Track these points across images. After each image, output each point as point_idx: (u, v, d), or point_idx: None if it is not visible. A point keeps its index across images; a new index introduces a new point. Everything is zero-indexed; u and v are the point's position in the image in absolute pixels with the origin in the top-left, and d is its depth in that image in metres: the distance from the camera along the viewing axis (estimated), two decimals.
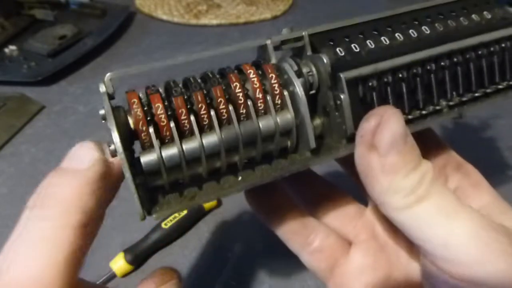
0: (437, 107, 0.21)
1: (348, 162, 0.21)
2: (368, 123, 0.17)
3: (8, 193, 0.40)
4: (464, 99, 0.21)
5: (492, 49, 0.22)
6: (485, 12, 0.22)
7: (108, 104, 0.17)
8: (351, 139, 0.19)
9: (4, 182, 0.41)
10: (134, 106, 0.17)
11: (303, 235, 0.23)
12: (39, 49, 0.57)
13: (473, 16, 0.22)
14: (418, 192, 0.16)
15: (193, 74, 0.19)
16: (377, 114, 0.17)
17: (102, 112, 0.17)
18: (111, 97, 0.17)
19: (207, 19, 0.70)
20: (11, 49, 0.57)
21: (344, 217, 0.25)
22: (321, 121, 0.20)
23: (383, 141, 0.16)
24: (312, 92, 0.20)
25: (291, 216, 0.23)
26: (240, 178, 0.19)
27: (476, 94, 0.22)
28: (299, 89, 0.18)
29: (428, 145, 0.23)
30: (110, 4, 0.68)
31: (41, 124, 0.48)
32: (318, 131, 0.20)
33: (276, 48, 0.20)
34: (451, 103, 0.21)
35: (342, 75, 0.18)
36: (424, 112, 0.21)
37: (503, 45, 0.22)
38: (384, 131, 0.16)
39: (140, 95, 0.18)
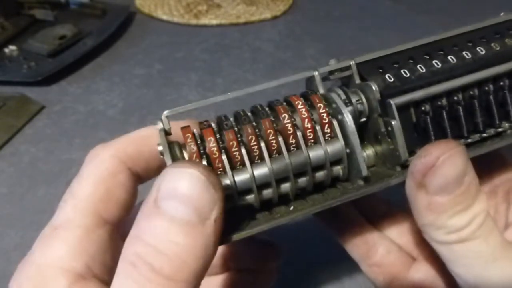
0: (499, 129, 0.20)
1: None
2: (420, 162, 0.16)
3: (8, 193, 0.40)
4: None
5: None
6: None
7: (164, 141, 0.17)
8: (406, 166, 0.18)
9: (4, 182, 0.41)
10: (188, 140, 0.17)
11: (363, 249, 0.24)
12: (39, 49, 0.57)
13: None
14: (463, 233, 0.16)
15: (243, 108, 0.20)
16: (433, 152, 0.16)
17: (160, 148, 0.17)
18: (167, 133, 0.18)
19: (207, 19, 0.70)
20: (11, 49, 0.57)
21: (409, 235, 0.25)
22: (373, 150, 0.20)
23: (432, 183, 0.16)
24: (363, 120, 0.20)
25: (354, 230, 0.24)
26: (291, 207, 0.19)
27: None
28: (347, 118, 0.18)
29: (493, 165, 0.22)
30: (110, 4, 0.68)
31: (41, 124, 0.48)
32: (371, 159, 0.20)
33: (324, 78, 0.20)
34: None
35: (392, 101, 0.18)
36: (484, 135, 0.20)
37: None
38: (436, 174, 0.16)
39: (194, 130, 0.18)
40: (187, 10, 0.72)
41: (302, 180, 0.18)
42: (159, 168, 0.19)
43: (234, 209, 0.18)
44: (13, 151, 0.45)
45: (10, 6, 0.64)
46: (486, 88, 0.20)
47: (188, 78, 0.56)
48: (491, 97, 0.20)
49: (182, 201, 0.14)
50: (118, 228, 0.18)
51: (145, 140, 0.19)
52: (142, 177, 0.20)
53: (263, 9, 0.73)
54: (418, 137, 0.18)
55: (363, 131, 0.20)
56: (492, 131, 0.20)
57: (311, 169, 0.18)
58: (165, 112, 0.18)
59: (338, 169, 0.19)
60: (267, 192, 0.18)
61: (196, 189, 0.14)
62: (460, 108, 0.19)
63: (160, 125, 0.18)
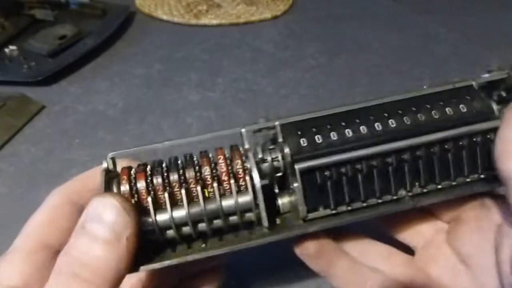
0: (395, 197, 0.23)
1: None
2: None
3: (8, 193, 0.40)
4: (425, 190, 0.23)
5: (460, 143, 0.23)
6: (461, 106, 0.23)
7: (102, 178, 0.21)
8: (305, 220, 0.22)
9: (4, 182, 0.41)
10: (123, 181, 0.21)
11: (358, 284, 0.24)
12: (39, 49, 0.57)
13: (447, 109, 0.23)
14: None
15: (179, 154, 0.24)
16: None
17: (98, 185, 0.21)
18: (110, 171, 0.22)
19: (207, 19, 0.70)
20: (11, 49, 0.57)
21: (392, 264, 0.26)
22: (289, 199, 0.23)
23: None
24: (279, 174, 0.23)
25: (342, 265, 0.24)
26: (203, 245, 0.22)
27: (439, 186, 0.23)
28: (255, 175, 0.21)
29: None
30: (110, 4, 0.68)
31: (41, 124, 0.48)
32: (286, 207, 0.23)
33: (255, 132, 0.23)
34: (410, 194, 0.23)
35: (296, 166, 0.21)
36: (379, 201, 0.23)
37: (474, 139, 0.23)
38: None
39: (132, 171, 0.22)
40: (187, 10, 0.72)
41: (217, 222, 0.22)
42: None
43: (158, 242, 0.21)
44: (13, 151, 0.45)
45: (10, 6, 0.64)
46: (388, 160, 0.22)
47: (188, 78, 0.56)
48: (390, 168, 0.23)
49: (102, 223, 0.18)
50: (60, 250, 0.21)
51: (90, 177, 0.24)
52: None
53: (263, 9, 0.73)
54: (320, 196, 0.22)
55: (285, 181, 0.23)
56: (388, 197, 0.23)
57: (225, 214, 0.21)
58: (110, 154, 0.22)
59: (250, 215, 0.22)
60: (186, 229, 0.21)
61: (113, 214, 0.19)
62: (360, 176, 0.22)
63: (104, 165, 0.22)
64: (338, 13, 0.73)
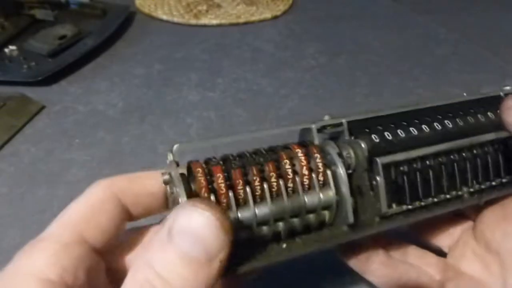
0: (459, 193, 0.24)
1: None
2: None
3: (8, 193, 0.40)
4: (483, 187, 0.24)
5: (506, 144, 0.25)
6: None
7: (177, 172, 0.18)
8: (384, 217, 0.22)
9: (4, 182, 0.41)
10: (199, 175, 0.19)
11: (393, 278, 0.25)
12: (39, 49, 0.57)
13: (489, 113, 0.25)
14: None
15: (245, 149, 0.21)
16: None
17: (166, 177, 0.19)
18: (177, 164, 0.19)
19: (207, 19, 0.70)
20: (11, 49, 0.57)
21: (426, 263, 0.27)
22: (353, 199, 0.22)
23: None
24: (349, 172, 0.22)
25: (378, 260, 0.25)
26: (284, 245, 0.20)
27: (493, 183, 0.24)
28: (341, 169, 0.20)
29: None
30: (110, 4, 0.68)
31: (41, 124, 0.48)
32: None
33: (318, 131, 0.22)
34: (471, 189, 0.24)
35: (378, 160, 0.21)
36: (448, 196, 0.23)
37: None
38: None
39: (203, 165, 0.20)
40: (187, 10, 0.72)
41: (294, 221, 0.20)
42: (148, 206, 0.21)
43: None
44: (13, 151, 0.45)
45: (10, 6, 0.64)
46: (452, 157, 0.23)
47: (188, 78, 0.56)
48: (455, 165, 0.24)
49: (195, 240, 0.16)
50: (98, 250, 0.20)
51: (139, 178, 0.22)
52: (131, 212, 0.21)
53: (263, 9, 0.73)
54: (395, 193, 0.22)
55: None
56: (453, 193, 0.24)
57: (307, 211, 0.20)
58: (176, 145, 0.19)
59: (325, 214, 0.21)
60: (263, 229, 0.20)
61: (209, 232, 0.16)
62: (431, 171, 0.23)
63: (170, 157, 0.19)
64: (338, 13, 0.73)
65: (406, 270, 0.26)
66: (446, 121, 0.24)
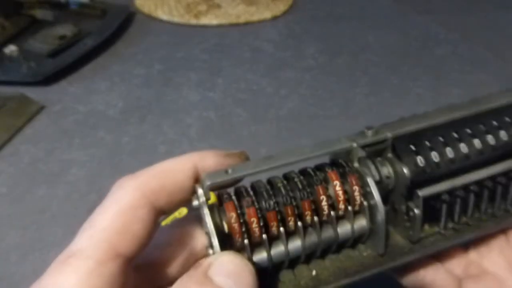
0: (498, 214, 0.22)
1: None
2: None
3: (8, 193, 0.40)
4: None
5: None
6: None
7: (211, 223, 0.18)
8: (415, 242, 0.21)
9: (4, 182, 0.41)
10: (233, 221, 0.18)
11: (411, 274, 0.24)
12: (39, 49, 0.57)
13: None
14: None
15: (277, 174, 0.20)
16: None
17: (195, 203, 0.19)
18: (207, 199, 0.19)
19: (207, 19, 0.70)
20: (11, 49, 0.57)
21: (447, 256, 0.26)
22: (386, 229, 0.21)
23: None
24: (388, 190, 0.21)
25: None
26: (314, 272, 0.20)
27: None
28: (379, 202, 0.19)
29: None
30: (110, 4, 0.68)
31: (41, 124, 0.48)
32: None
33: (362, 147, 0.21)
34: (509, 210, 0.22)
35: (420, 194, 0.20)
36: (483, 217, 0.22)
37: None
38: None
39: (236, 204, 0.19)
40: (187, 10, 0.72)
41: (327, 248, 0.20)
42: (180, 200, 0.20)
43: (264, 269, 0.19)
44: (13, 151, 0.45)
45: (10, 6, 0.64)
46: (499, 180, 0.21)
47: (188, 78, 0.56)
48: (499, 188, 0.21)
49: (233, 279, 0.17)
50: (131, 260, 0.18)
51: (168, 173, 0.20)
52: (163, 210, 0.20)
53: (263, 9, 0.73)
54: (430, 218, 0.21)
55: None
56: (491, 214, 0.22)
57: (340, 243, 0.20)
58: (207, 182, 0.18)
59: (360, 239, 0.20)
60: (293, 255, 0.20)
61: (243, 276, 0.17)
62: (472, 197, 0.21)
63: (200, 194, 0.19)
64: (338, 13, 0.73)
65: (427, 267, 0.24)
66: (501, 132, 0.21)
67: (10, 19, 0.63)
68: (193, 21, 0.69)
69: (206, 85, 0.55)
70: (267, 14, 0.71)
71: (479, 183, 0.21)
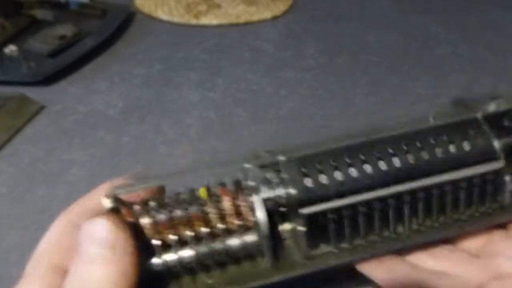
0: (393, 234, 0.24)
1: None
2: None
3: (7, 193, 0.40)
4: (422, 228, 0.24)
5: (460, 184, 0.23)
6: (465, 143, 0.23)
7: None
8: (308, 258, 0.23)
9: (3, 182, 0.41)
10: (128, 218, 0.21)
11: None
12: (39, 49, 0.57)
13: (451, 147, 0.23)
14: None
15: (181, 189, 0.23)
16: None
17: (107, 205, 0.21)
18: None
19: (207, 19, 0.70)
20: (11, 49, 0.57)
21: (456, 259, 0.26)
22: (291, 226, 0.23)
23: None
24: (280, 209, 0.23)
25: (402, 269, 0.24)
26: (210, 281, 0.22)
27: (435, 224, 0.24)
28: (261, 222, 0.21)
29: None
30: (110, 4, 0.68)
31: (41, 124, 0.48)
32: (287, 234, 0.24)
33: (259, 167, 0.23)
34: (408, 230, 0.24)
35: (303, 211, 0.22)
36: (378, 238, 0.23)
37: (473, 181, 0.23)
38: None
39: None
40: (187, 10, 0.72)
41: (222, 257, 0.23)
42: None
43: (160, 274, 0.22)
44: (13, 151, 0.45)
45: (10, 6, 0.64)
46: (389, 202, 0.23)
47: (188, 78, 0.56)
48: (390, 210, 0.23)
49: (95, 243, 0.18)
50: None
51: (89, 199, 0.23)
52: None
53: (263, 9, 0.73)
54: (323, 236, 0.23)
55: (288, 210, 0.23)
56: (387, 234, 0.24)
57: (230, 253, 0.22)
58: (107, 193, 0.21)
59: (253, 251, 0.23)
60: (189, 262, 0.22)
61: (104, 230, 0.19)
62: (361, 216, 0.23)
63: (106, 204, 0.21)
64: (338, 13, 0.73)
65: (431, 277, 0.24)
66: (394, 159, 0.23)
67: (10, 19, 0.63)
68: (193, 21, 0.69)
69: (206, 85, 0.55)
70: (267, 14, 0.71)
71: (368, 203, 0.22)
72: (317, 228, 0.22)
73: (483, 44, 0.63)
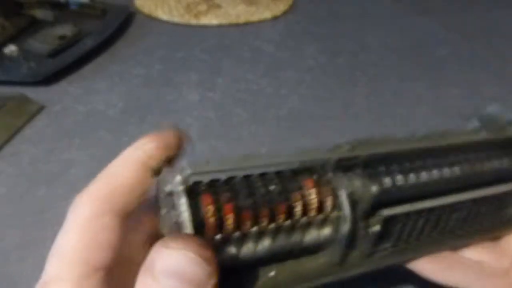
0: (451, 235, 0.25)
1: None
2: None
3: (7, 193, 0.40)
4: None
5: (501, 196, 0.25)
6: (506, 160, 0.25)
7: (187, 203, 0.17)
8: (368, 256, 0.22)
9: (3, 182, 0.41)
10: (209, 214, 0.18)
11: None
12: (39, 49, 0.57)
13: (498, 162, 0.25)
14: None
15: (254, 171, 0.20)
16: None
17: (168, 188, 0.18)
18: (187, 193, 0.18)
19: (207, 19, 0.70)
20: (11, 49, 0.57)
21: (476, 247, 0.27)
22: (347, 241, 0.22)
23: None
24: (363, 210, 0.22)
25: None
26: (272, 273, 0.21)
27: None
28: (348, 219, 0.20)
29: None
30: (110, 4, 0.68)
31: (41, 124, 0.48)
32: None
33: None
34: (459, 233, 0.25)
35: (384, 213, 0.21)
36: (439, 238, 0.24)
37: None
38: None
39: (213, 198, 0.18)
40: (187, 10, 0.72)
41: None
42: (141, 196, 0.20)
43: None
44: (13, 151, 0.45)
45: (10, 6, 0.64)
46: (455, 208, 0.24)
47: (188, 78, 0.56)
48: (453, 215, 0.24)
49: (180, 279, 0.15)
50: (112, 270, 0.18)
51: (114, 175, 0.20)
52: (127, 211, 0.19)
53: (263, 9, 0.73)
54: (385, 235, 0.22)
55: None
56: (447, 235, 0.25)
57: (304, 247, 0.21)
58: (189, 171, 0.18)
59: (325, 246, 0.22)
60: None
61: (191, 267, 0.15)
62: (428, 221, 0.24)
63: (178, 181, 0.18)
64: (338, 13, 0.73)
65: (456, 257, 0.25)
66: (458, 167, 0.24)
67: (10, 19, 0.63)
68: (193, 21, 0.69)
69: (206, 85, 0.55)
70: (267, 14, 0.71)
71: (439, 209, 0.23)
72: (386, 228, 0.22)
73: (483, 44, 0.63)
